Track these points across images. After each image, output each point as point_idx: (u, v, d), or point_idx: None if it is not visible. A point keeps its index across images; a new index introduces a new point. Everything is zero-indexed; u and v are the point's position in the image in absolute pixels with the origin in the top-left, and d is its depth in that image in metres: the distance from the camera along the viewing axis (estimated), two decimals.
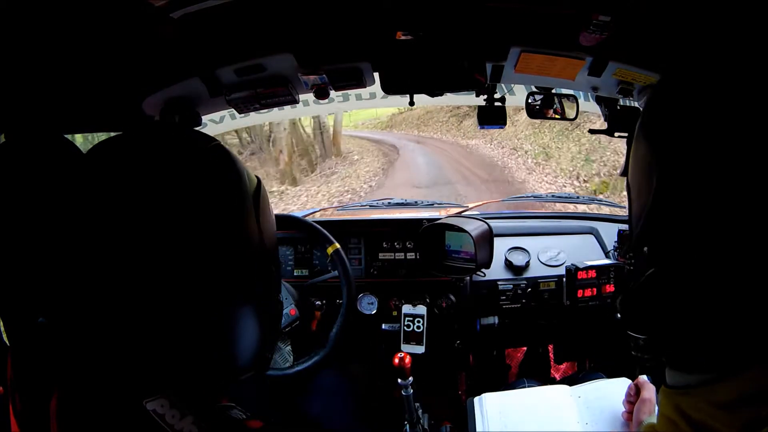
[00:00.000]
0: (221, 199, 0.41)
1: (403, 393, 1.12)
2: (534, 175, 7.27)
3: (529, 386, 1.16)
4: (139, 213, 0.38)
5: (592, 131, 1.30)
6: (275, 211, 0.69)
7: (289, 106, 1.15)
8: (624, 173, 0.45)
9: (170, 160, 0.40)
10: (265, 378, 1.16)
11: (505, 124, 1.18)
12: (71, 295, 0.41)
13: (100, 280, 0.39)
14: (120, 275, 0.38)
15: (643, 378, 0.87)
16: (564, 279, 1.32)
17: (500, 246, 1.38)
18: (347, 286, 1.24)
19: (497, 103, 1.16)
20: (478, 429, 0.97)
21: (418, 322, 1.35)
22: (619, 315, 0.45)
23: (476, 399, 1.05)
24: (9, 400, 0.48)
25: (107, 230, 0.38)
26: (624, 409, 0.89)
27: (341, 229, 1.44)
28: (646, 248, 0.35)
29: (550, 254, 1.44)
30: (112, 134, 0.44)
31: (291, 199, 7.75)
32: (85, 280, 0.39)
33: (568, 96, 1.21)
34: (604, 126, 1.16)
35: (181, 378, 0.41)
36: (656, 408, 0.76)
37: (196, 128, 1.13)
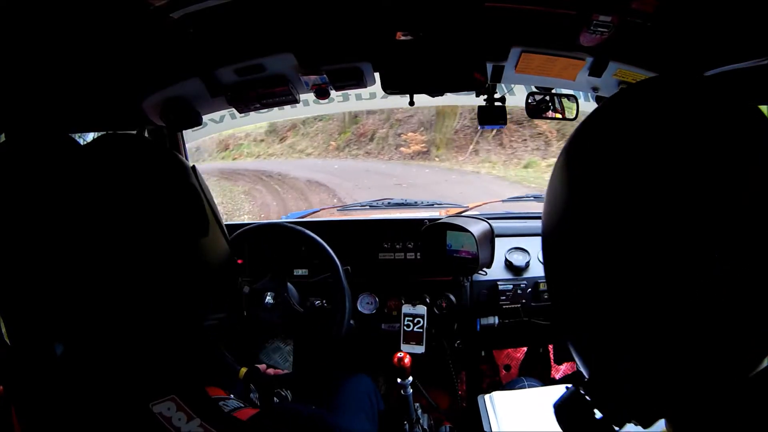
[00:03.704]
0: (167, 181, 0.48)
1: (403, 393, 1.12)
2: None
3: (528, 385, 1.16)
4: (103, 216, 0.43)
5: None
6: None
7: (289, 106, 1.15)
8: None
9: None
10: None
11: (505, 123, 1.18)
12: (66, 295, 0.41)
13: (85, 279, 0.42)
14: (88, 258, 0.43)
15: None
16: None
17: (500, 246, 1.37)
18: (337, 284, 1.22)
19: (497, 103, 1.16)
20: (493, 429, 0.97)
21: (418, 322, 1.35)
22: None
23: (486, 397, 1.04)
24: (10, 400, 0.48)
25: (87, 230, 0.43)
26: None
27: (342, 229, 1.44)
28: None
29: None
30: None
31: None
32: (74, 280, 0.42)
33: (568, 96, 1.21)
34: None
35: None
36: None
37: (197, 128, 1.14)
